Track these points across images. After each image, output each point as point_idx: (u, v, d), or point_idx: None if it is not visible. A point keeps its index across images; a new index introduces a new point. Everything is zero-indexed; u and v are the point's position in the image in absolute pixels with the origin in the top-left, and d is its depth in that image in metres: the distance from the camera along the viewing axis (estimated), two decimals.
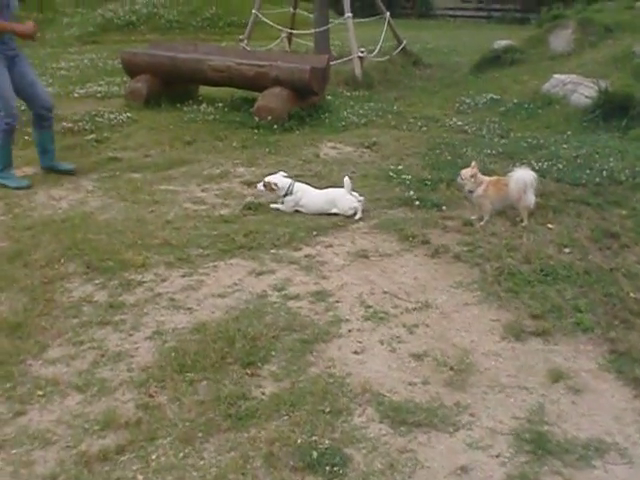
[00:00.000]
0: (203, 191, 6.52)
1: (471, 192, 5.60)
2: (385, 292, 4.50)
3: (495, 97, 9.67)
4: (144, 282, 4.63)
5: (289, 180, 5.91)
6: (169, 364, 3.65)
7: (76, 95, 10.94)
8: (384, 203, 6.03)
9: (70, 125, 8.72)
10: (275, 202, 5.96)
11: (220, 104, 9.63)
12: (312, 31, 12.84)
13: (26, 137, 8.28)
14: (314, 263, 4.90)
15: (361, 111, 9.42)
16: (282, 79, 8.67)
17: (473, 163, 5.64)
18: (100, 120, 9.02)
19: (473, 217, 5.64)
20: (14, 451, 3.06)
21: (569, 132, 8.01)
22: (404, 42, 13.21)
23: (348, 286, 4.57)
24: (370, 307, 4.30)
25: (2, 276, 4.67)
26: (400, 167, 6.86)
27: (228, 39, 18.40)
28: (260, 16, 13.06)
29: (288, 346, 3.83)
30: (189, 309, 4.28)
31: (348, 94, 10.58)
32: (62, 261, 4.92)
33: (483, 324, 4.11)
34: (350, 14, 11.37)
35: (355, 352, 3.81)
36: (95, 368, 3.67)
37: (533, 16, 21.29)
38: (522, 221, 5.52)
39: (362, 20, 12.81)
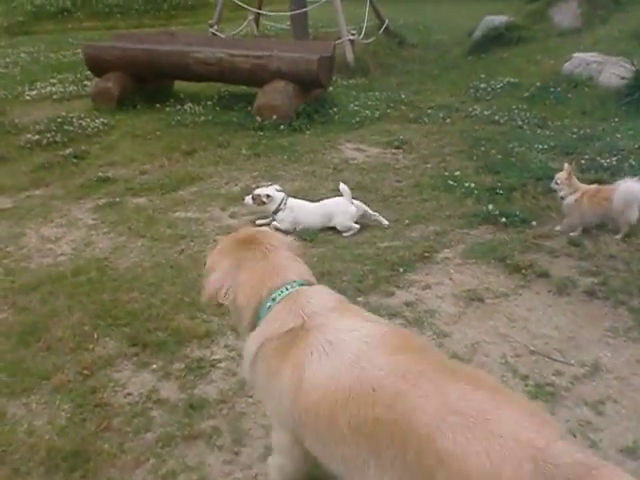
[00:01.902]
0: (231, 217, 5.40)
1: (563, 199, 4.82)
2: (532, 351, 3.55)
3: (512, 80, 8.80)
4: (218, 361, 3.52)
5: (282, 194, 5.11)
6: None
7: (28, 97, 9.46)
8: (460, 221, 5.08)
9: (36, 137, 7.33)
10: (263, 218, 5.21)
11: (208, 102, 8.39)
12: (284, 13, 11.63)
13: None
14: (422, 314, 3.90)
15: (369, 102, 8.39)
16: (285, 71, 7.53)
17: (566, 165, 4.89)
18: (70, 129, 7.66)
19: (557, 228, 4.86)
20: None
21: (616, 119, 7.22)
22: (386, 21, 12.18)
23: (481, 346, 3.60)
24: (527, 377, 3.34)
25: (24, 369, 3.46)
26: (457, 173, 5.90)
27: (175, 23, 16.91)
28: None
29: None
30: None
31: (345, 83, 9.52)
32: (96, 337, 3.75)
33: None
34: None
35: None
36: None
37: None
38: (619, 234, 4.73)
39: None
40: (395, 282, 4.26)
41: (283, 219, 5.04)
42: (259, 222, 5.16)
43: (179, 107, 8.28)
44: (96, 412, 3.16)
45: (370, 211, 5.04)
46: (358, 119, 7.75)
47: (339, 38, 10.23)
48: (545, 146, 6.55)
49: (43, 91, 9.66)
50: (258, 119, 7.51)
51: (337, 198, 5.06)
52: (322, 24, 13.75)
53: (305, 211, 5.05)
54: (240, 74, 7.80)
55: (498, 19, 10.83)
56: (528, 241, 4.71)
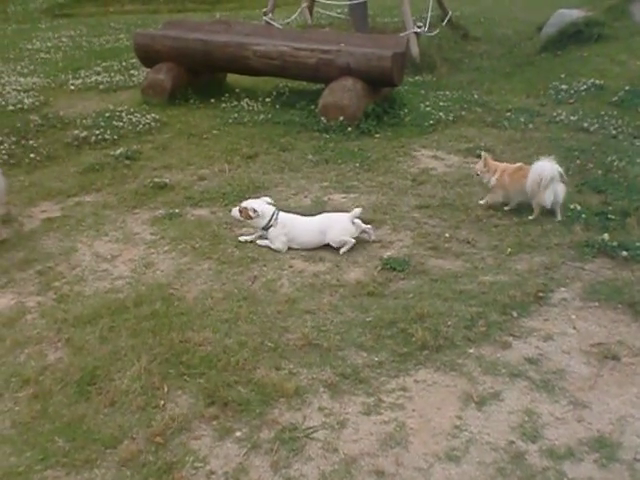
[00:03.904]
0: None
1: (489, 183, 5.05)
2: None
3: (597, 82, 8.03)
4: (313, 430, 2.94)
5: (272, 208, 4.59)
6: None
7: (72, 87, 8.96)
8: (571, 252, 4.42)
9: (85, 134, 6.80)
10: (247, 234, 4.71)
11: (266, 99, 7.78)
12: (342, 2, 10.94)
13: (32, 154, 6.37)
14: (549, 376, 3.28)
15: (441, 103, 7.71)
16: (354, 68, 6.88)
17: (482, 153, 5.12)
18: (119, 124, 7.12)
19: (481, 202, 5.12)
20: None
21: None
22: (450, 12, 11.43)
23: (629, 422, 2.98)
24: None
25: (84, 432, 2.93)
26: None
27: (220, 9, 16.29)
28: None
29: None
30: None
31: (411, 80, 8.81)
32: (166, 390, 3.20)
33: None
34: None
35: None
36: None
37: None
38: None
39: None
40: (510, 330, 3.64)
41: (276, 236, 4.52)
42: (242, 238, 4.65)
43: (235, 103, 7.70)
44: None
45: (363, 225, 4.55)
46: (431, 122, 7.09)
47: (401, 30, 9.54)
48: None
49: (88, 80, 9.15)
50: (323, 119, 6.89)
51: (337, 213, 4.64)
52: (374, 12, 13.03)
53: (299, 227, 4.54)
54: (304, 70, 7.17)
55: (575, 13, 9.98)
56: None
